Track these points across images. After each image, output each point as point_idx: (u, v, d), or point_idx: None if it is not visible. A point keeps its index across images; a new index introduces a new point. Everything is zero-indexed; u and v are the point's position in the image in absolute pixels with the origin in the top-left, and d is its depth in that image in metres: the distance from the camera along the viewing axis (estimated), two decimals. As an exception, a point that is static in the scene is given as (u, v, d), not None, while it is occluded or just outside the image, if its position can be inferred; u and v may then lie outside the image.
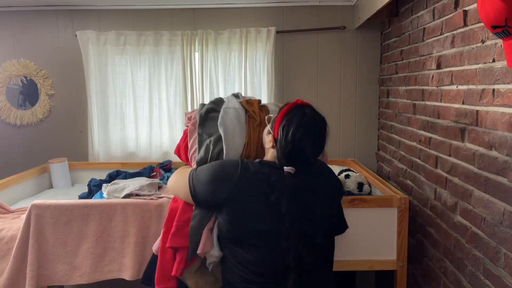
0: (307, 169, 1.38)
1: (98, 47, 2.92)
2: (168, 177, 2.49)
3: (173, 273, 1.49)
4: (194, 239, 1.44)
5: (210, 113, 1.62)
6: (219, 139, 1.54)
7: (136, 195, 2.01)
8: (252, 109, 1.61)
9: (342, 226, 1.67)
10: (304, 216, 1.32)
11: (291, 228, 1.29)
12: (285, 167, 1.32)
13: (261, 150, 1.52)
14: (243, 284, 1.35)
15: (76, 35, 2.93)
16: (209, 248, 1.44)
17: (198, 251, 1.43)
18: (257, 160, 1.48)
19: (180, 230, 1.49)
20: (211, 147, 1.54)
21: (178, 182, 1.52)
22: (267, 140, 1.44)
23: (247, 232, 1.33)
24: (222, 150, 1.53)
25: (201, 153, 1.55)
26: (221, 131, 1.54)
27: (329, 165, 2.90)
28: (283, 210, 1.28)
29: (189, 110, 2.97)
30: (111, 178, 2.48)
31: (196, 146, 1.59)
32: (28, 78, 3.05)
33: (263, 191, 1.31)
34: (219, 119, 1.56)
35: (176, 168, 2.82)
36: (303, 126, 1.32)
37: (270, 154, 1.43)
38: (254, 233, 1.33)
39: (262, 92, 2.93)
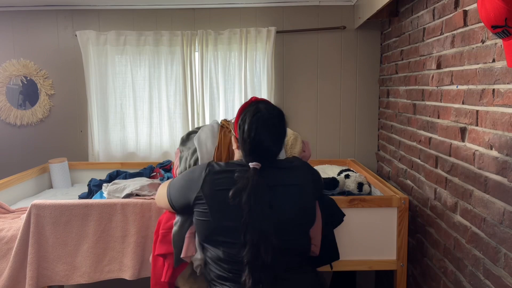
0: (273, 164, 1.41)
1: (98, 47, 2.92)
2: (168, 177, 2.50)
3: (162, 279, 1.54)
4: (178, 244, 1.50)
5: (190, 134, 1.78)
6: (195, 150, 1.68)
7: (137, 195, 2.01)
8: (226, 122, 1.74)
9: (337, 217, 1.64)
10: (265, 212, 1.30)
11: (250, 222, 1.29)
12: (250, 163, 1.35)
13: (233, 152, 1.59)
14: (219, 281, 1.39)
15: (76, 35, 2.93)
16: (193, 251, 1.48)
17: (182, 255, 1.48)
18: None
19: (165, 237, 1.56)
20: (188, 158, 1.68)
21: (160, 194, 1.61)
22: (233, 142, 1.51)
23: (214, 229, 1.36)
24: (198, 159, 1.66)
25: (181, 166, 1.69)
26: (195, 143, 1.68)
27: (329, 165, 2.88)
28: (242, 204, 1.29)
29: (189, 110, 2.98)
30: (111, 178, 2.48)
31: (178, 162, 1.73)
32: (28, 78, 3.05)
33: (226, 188, 1.34)
34: (196, 135, 1.71)
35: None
36: (257, 121, 1.36)
37: (237, 154, 1.49)
38: (221, 230, 1.35)
39: (262, 92, 2.93)
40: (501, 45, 1.40)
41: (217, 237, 1.37)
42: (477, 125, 1.56)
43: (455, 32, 1.75)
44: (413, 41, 2.28)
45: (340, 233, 1.94)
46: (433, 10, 1.98)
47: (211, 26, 2.97)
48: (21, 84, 3.06)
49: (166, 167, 2.66)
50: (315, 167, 2.78)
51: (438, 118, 1.92)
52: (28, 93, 3.06)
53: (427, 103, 2.06)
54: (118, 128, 3.01)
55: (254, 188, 1.30)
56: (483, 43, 1.52)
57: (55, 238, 1.87)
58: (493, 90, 1.45)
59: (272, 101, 2.91)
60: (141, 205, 1.87)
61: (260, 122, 1.36)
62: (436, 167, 1.94)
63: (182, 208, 1.48)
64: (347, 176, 2.33)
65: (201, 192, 1.37)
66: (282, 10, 2.98)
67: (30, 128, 3.10)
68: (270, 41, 2.86)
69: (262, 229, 1.28)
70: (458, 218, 1.71)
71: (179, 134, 3.01)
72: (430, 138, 2.02)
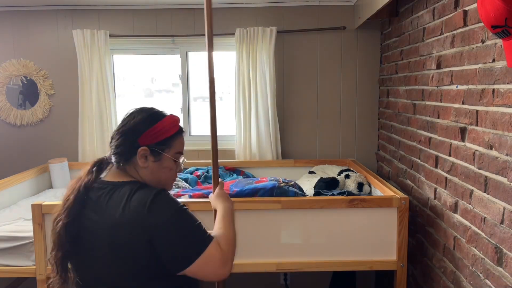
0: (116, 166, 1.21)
1: (94, 46, 2.90)
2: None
3: None
4: None
5: None
6: None
7: None
8: None
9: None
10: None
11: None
12: None
13: None
14: None
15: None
16: None
17: None
18: None
19: None
20: None
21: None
22: None
23: None
24: None
25: None
26: None
27: (329, 165, 2.85)
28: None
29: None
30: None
31: None
32: (28, 78, 3.05)
33: None
34: None
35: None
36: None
37: None
38: None
39: (262, 92, 2.93)
40: (501, 45, 1.40)
41: None
42: (477, 125, 1.56)
43: (455, 32, 1.75)
44: (413, 41, 2.28)
45: (340, 233, 1.94)
46: (433, 10, 1.98)
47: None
48: (21, 84, 3.05)
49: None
50: (315, 167, 2.82)
51: (438, 118, 1.92)
52: (28, 93, 3.06)
53: (427, 103, 2.06)
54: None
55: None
56: (483, 43, 1.52)
57: None
58: (493, 90, 1.45)
59: (272, 101, 2.90)
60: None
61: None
62: (436, 167, 1.94)
63: None
64: (347, 176, 2.33)
65: None
66: (282, 10, 2.97)
67: (30, 128, 3.10)
68: (271, 41, 2.86)
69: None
70: (458, 218, 1.71)
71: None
72: (430, 138, 2.02)
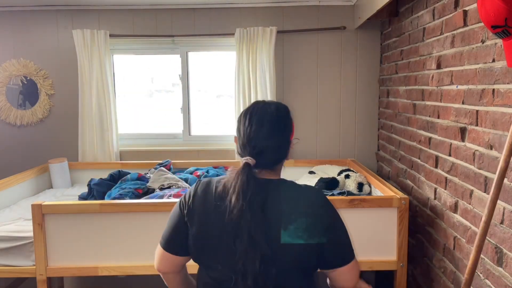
0: (274, 171, 1.19)
1: (94, 46, 2.90)
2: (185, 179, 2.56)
3: None
4: None
5: None
6: None
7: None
8: None
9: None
10: (255, 213, 1.07)
11: (237, 228, 1.06)
12: (243, 158, 1.14)
13: None
14: None
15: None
16: None
17: None
18: None
19: None
20: None
21: None
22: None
23: (194, 246, 1.16)
24: None
25: None
26: None
27: (329, 165, 2.85)
28: (228, 205, 1.08)
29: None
30: (112, 177, 2.48)
31: None
32: (28, 78, 3.05)
33: (210, 195, 1.14)
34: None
35: (176, 168, 2.82)
36: (252, 114, 1.18)
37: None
38: (202, 247, 1.15)
39: (262, 92, 2.93)
40: (501, 45, 1.40)
41: (200, 257, 1.16)
42: (477, 125, 1.56)
43: (455, 32, 1.75)
44: (413, 41, 2.28)
45: (340, 233, 1.94)
46: (433, 10, 1.98)
47: (211, 26, 2.97)
48: (21, 84, 3.05)
49: (166, 167, 2.66)
50: (315, 167, 2.82)
51: (438, 118, 1.92)
52: (28, 93, 3.06)
53: (427, 103, 2.06)
54: (117, 128, 3.01)
55: (242, 184, 1.07)
56: (483, 43, 1.52)
57: None
58: (493, 90, 1.45)
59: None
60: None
61: (255, 115, 1.17)
62: (436, 167, 1.94)
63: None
64: (347, 176, 2.33)
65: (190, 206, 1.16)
66: (282, 10, 2.97)
67: (30, 128, 3.10)
68: (271, 41, 2.86)
69: (250, 234, 1.05)
70: (458, 218, 1.71)
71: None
72: (430, 138, 2.02)
